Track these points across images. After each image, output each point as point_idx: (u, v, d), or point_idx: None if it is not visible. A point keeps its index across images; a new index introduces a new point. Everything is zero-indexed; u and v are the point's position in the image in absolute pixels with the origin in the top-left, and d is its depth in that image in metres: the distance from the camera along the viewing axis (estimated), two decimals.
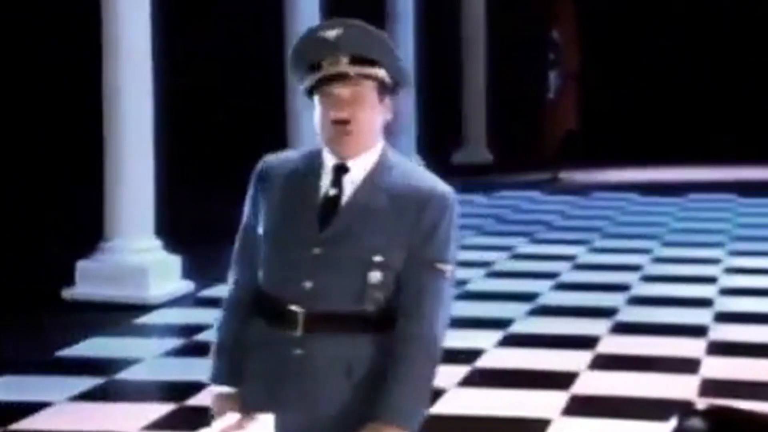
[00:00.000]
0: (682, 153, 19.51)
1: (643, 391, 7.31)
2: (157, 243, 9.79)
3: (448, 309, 3.42)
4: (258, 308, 3.41)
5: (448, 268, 3.35)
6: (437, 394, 7.22)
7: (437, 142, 17.91)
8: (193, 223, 11.93)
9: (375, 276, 3.30)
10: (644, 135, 20.47)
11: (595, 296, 10.08)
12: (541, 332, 8.83)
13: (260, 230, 3.41)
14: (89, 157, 9.88)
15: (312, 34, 3.37)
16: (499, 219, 14.62)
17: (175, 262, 9.72)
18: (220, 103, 13.39)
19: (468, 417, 6.89)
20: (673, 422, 3.77)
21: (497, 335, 8.70)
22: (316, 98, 3.35)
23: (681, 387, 7.36)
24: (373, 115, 3.33)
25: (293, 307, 3.31)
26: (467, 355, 8.09)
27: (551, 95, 18.91)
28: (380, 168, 3.37)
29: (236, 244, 3.53)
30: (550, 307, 9.69)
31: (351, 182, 3.36)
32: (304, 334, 3.30)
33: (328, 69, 3.30)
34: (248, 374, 3.42)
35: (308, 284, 3.30)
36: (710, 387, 7.35)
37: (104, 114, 9.69)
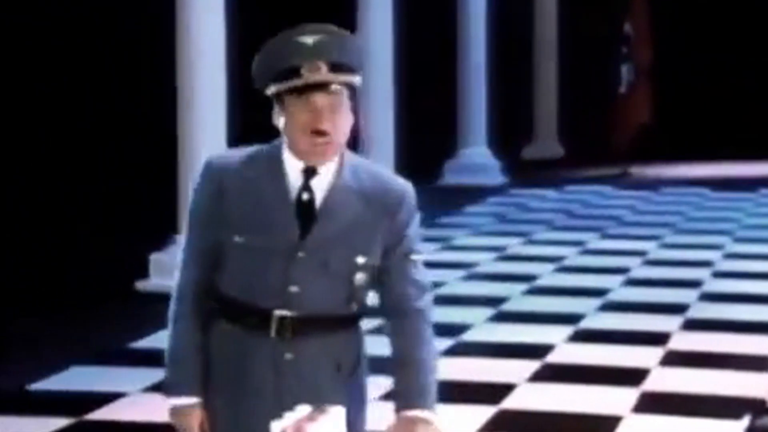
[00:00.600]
0: (755, 148, 19.30)
1: (715, 389, 7.25)
2: None
3: (430, 292, 3.47)
4: (228, 313, 3.36)
5: (420, 257, 3.41)
6: (508, 388, 7.23)
7: (508, 136, 17.86)
8: None
9: (360, 277, 3.32)
10: (717, 130, 20.27)
11: (667, 292, 10.02)
12: (612, 328, 8.80)
13: (228, 236, 3.31)
14: (163, 154, 9.98)
15: (289, 38, 3.26)
16: (570, 214, 14.56)
17: None
18: None
19: (538, 412, 6.88)
20: (746, 420, 3.75)
21: (568, 331, 8.68)
22: (288, 104, 3.26)
23: (753, 385, 7.28)
24: (348, 122, 3.30)
25: (279, 312, 3.29)
26: (537, 351, 8.08)
27: (623, 89, 18.79)
28: (344, 169, 3.33)
29: (188, 243, 3.42)
30: (620, 303, 9.64)
31: (320, 185, 3.32)
32: (293, 337, 3.30)
33: (308, 76, 3.22)
34: (219, 383, 3.36)
35: (294, 289, 3.29)
36: None
37: (178, 111, 9.78)
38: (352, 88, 3.28)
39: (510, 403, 7.01)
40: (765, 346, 8.20)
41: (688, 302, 9.60)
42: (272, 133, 3.37)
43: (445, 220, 13.85)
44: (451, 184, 16.46)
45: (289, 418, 3.07)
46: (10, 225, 9.39)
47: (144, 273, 9.79)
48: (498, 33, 17.20)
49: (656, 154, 18.80)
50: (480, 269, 11.07)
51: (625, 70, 18.82)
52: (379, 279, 3.38)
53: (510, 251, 12.02)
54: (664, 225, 13.58)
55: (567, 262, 11.43)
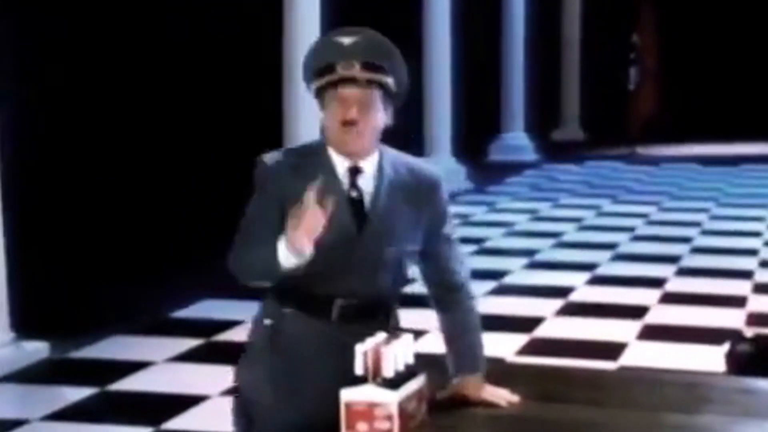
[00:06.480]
0: (737, 130, 19.05)
1: (701, 322, 7.23)
2: None
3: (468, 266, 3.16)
4: (290, 298, 2.97)
5: (456, 234, 3.09)
6: (538, 321, 7.28)
7: (540, 122, 17.79)
8: None
9: (406, 263, 3.01)
10: (708, 118, 20.01)
11: (665, 246, 9.97)
12: (621, 274, 8.76)
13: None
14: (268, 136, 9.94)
15: (329, 39, 2.92)
16: (589, 184, 14.50)
17: None
18: None
19: (562, 340, 6.90)
20: (726, 346, 3.77)
21: (586, 276, 8.69)
22: (326, 99, 2.89)
23: (731, 319, 7.26)
24: (377, 118, 2.89)
25: (340, 301, 2.93)
26: (562, 291, 8.10)
27: (631, 87, 18.70)
28: (384, 165, 2.94)
29: (249, 240, 2.93)
30: (627, 254, 9.63)
31: (366, 183, 2.92)
32: (351, 323, 2.93)
33: (341, 72, 2.86)
34: (279, 362, 2.98)
35: (353, 281, 2.92)
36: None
37: (284, 92, 9.75)
38: (387, 90, 2.90)
39: (540, 332, 7.06)
40: (741, 289, 8.18)
41: (681, 254, 9.57)
42: None
43: (490, 188, 13.85)
44: (495, 160, 16.43)
45: (369, 342, 3.03)
46: (169, 190, 9.34)
47: None
48: (534, 38, 17.10)
49: (659, 139, 18.59)
50: (517, 227, 11.08)
51: (633, 71, 18.69)
52: (423, 259, 3.04)
53: (541, 213, 12.01)
54: (663, 193, 13.49)
55: (586, 222, 11.41)
